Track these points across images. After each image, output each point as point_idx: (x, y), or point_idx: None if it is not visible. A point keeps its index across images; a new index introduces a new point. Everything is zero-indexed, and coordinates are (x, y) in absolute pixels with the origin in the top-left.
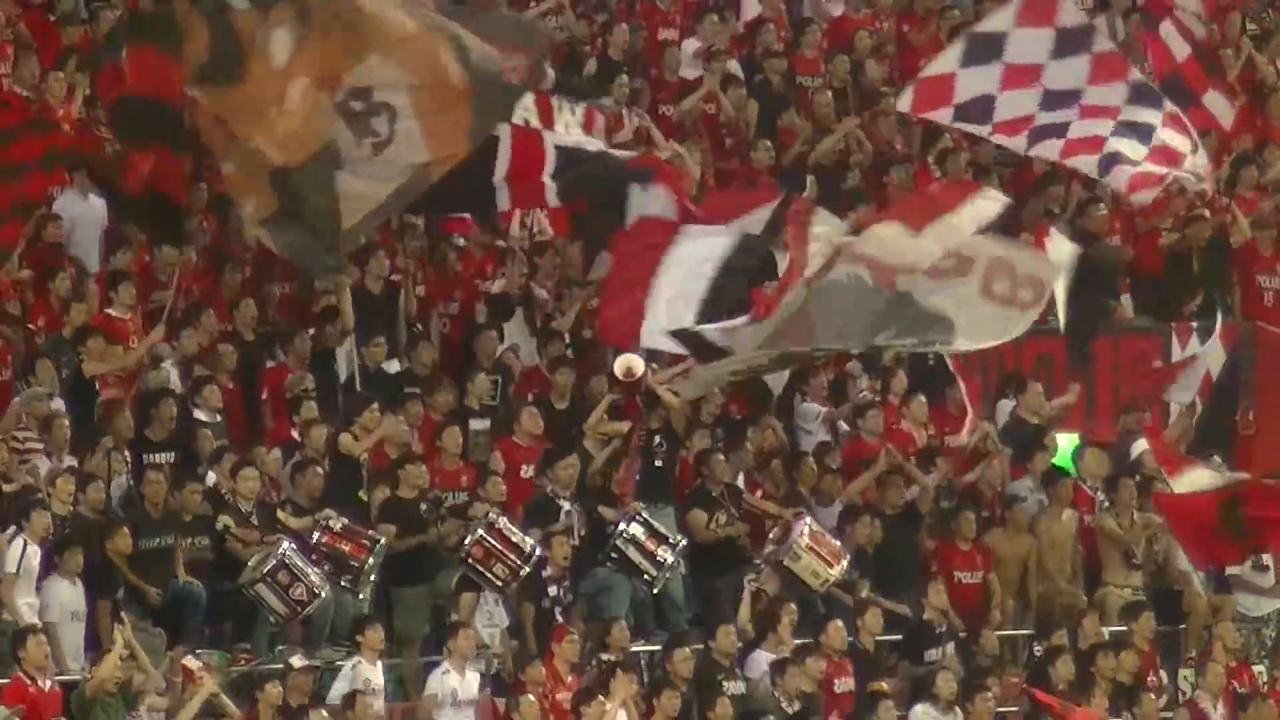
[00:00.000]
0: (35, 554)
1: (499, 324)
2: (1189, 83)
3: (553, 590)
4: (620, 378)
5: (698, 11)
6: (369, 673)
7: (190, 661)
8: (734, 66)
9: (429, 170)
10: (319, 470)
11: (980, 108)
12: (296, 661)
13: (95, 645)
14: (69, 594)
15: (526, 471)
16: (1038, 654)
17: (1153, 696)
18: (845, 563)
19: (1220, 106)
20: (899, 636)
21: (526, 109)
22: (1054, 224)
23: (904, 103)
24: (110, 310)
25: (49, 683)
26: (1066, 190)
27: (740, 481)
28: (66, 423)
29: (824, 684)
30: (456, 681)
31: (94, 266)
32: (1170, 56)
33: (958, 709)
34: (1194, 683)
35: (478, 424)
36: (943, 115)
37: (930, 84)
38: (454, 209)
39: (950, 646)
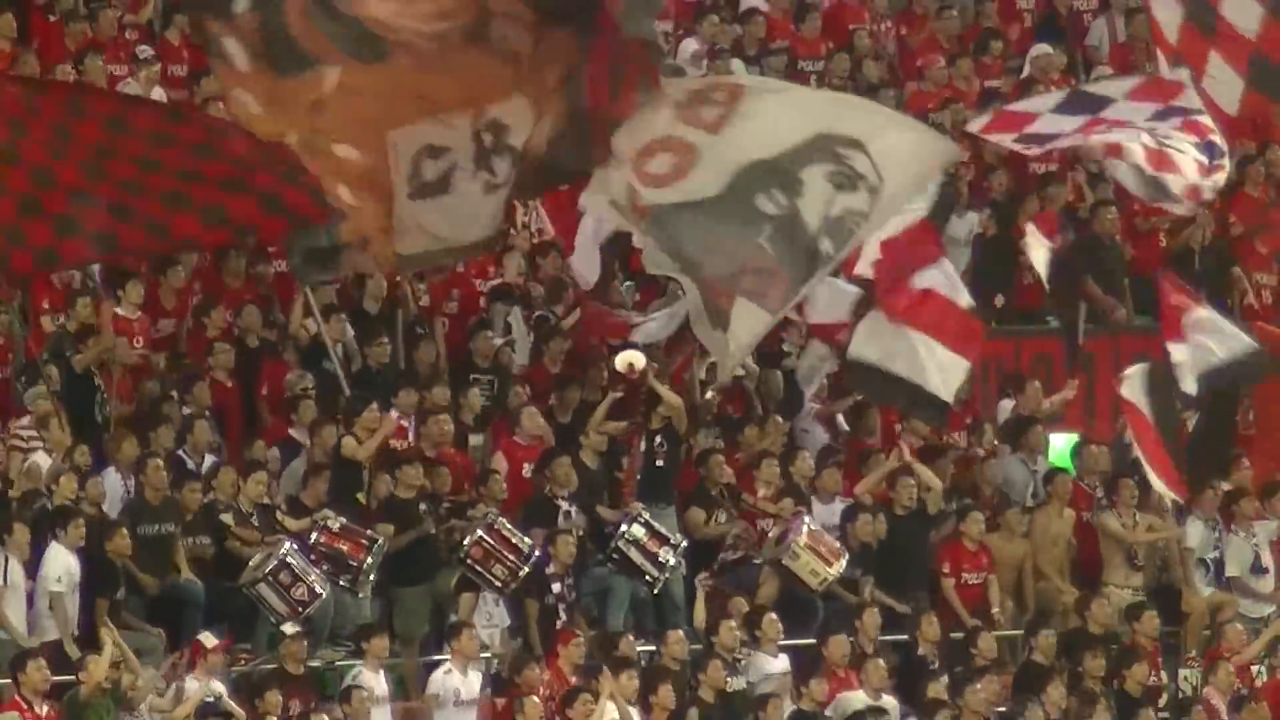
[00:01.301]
0: (18, 569)
1: (503, 313)
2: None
3: (556, 587)
4: (621, 372)
5: (697, 12)
6: (370, 681)
7: (206, 639)
8: (736, 66)
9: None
10: (328, 475)
11: (1043, 140)
12: (289, 629)
13: (90, 645)
14: (74, 563)
15: (528, 470)
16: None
17: (1152, 714)
18: (844, 562)
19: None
20: (898, 637)
21: None
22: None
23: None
24: (118, 309)
25: (45, 707)
26: (1070, 189)
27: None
28: (64, 420)
29: (828, 700)
30: (459, 681)
31: (93, 265)
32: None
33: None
34: (1194, 683)
35: (475, 439)
36: (1002, 138)
37: (1010, 117)
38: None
39: (944, 679)
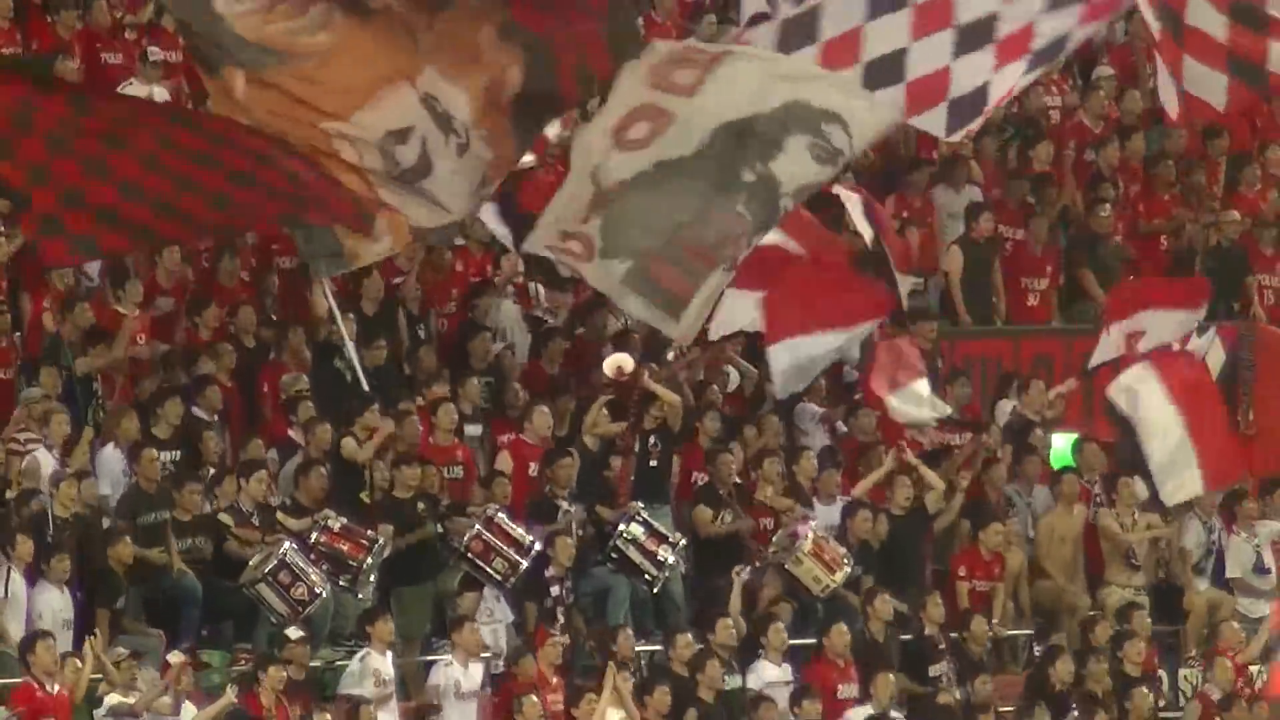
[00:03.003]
0: (19, 582)
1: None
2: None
3: (555, 590)
4: (611, 376)
5: (695, 12)
6: (378, 663)
7: (173, 657)
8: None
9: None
10: (322, 472)
11: (891, 66)
12: (292, 633)
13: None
14: (59, 601)
15: (534, 470)
16: (1038, 653)
17: (1146, 691)
18: (849, 569)
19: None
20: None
21: None
22: None
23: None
24: (117, 307)
25: (57, 687)
26: (1059, 190)
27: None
28: (66, 419)
29: (827, 690)
30: (460, 674)
31: (93, 265)
32: None
33: None
34: (1194, 682)
35: (471, 429)
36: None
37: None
38: None
39: (949, 660)
